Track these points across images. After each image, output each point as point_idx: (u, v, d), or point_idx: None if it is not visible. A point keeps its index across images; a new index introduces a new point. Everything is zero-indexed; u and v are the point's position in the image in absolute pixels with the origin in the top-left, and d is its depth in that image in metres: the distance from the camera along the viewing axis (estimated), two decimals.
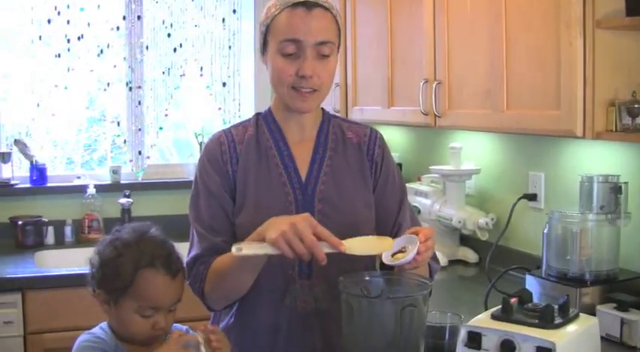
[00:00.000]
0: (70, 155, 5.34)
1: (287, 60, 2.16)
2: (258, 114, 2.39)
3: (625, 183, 2.80)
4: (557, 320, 2.08)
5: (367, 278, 2.02)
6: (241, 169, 2.27)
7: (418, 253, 1.94)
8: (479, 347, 2.10)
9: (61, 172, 5.21)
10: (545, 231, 2.91)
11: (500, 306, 2.18)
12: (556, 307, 2.14)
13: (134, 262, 2.09)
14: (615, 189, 2.79)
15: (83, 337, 2.14)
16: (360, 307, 1.92)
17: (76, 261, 4.43)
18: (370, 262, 2.26)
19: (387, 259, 1.99)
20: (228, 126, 2.45)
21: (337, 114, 2.51)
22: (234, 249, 1.94)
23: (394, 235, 2.23)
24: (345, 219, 2.23)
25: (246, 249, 1.95)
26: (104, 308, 2.15)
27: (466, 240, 3.98)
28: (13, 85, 5.00)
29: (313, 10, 2.15)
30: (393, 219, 2.34)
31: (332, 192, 2.27)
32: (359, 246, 1.99)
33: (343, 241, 1.96)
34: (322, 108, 2.38)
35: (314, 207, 2.23)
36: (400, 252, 2.00)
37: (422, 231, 2.01)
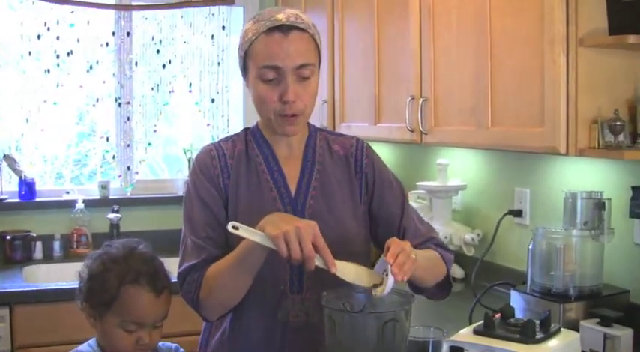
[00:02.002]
0: (59, 170, 5.35)
1: (268, 86, 2.16)
2: (246, 129, 2.40)
3: (608, 199, 2.82)
4: (539, 335, 2.10)
5: (350, 293, 2.01)
6: (232, 184, 2.28)
7: (394, 274, 1.91)
8: None
9: (51, 187, 5.22)
10: (529, 247, 2.92)
11: (482, 321, 2.20)
12: (538, 322, 2.16)
13: (119, 277, 2.11)
14: (599, 205, 2.81)
15: None
16: (342, 322, 1.92)
17: (65, 275, 4.44)
18: None
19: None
20: (216, 140, 2.45)
21: (323, 128, 2.51)
22: (230, 225, 1.96)
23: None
24: (335, 233, 2.22)
25: (242, 230, 1.96)
26: (90, 322, 2.16)
27: None
28: (3, 101, 5.01)
29: (290, 33, 2.14)
30: (397, 224, 2.34)
31: (321, 206, 2.28)
32: (350, 272, 1.98)
33: (336, 261, 1.96)
34: (308, 123, 2.37)
35: None
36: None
37: (389, 250, 1.97)
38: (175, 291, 2.22)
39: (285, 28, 2.14)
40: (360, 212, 2.34)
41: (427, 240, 2.35)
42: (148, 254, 2.22)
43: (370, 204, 2.36)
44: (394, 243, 1.99)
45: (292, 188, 2.30)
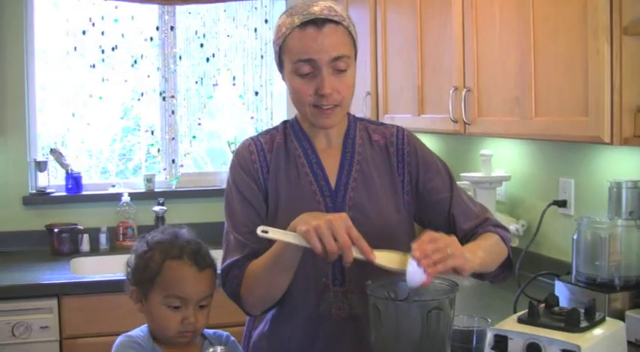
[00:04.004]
0: (104, 164, 5.41)
1: (304, 80, 2.16)
2: (285, 122, 2.40)
3: None
4: (583, 324, 2.09)
5: (395, 281, 1.99)
6: (272, 178, 2.28)
7: (416, 258, 1.88)
8: (505, 350, 2.11)
9: (96, 181, 5.29)
10: (574, 237, 2.91)
11: (526, 310, 2.19)
12: (582, 311, 2.15)
13: (162, 254, 2.16)
14: None
15: (121, 339, 2.19)
16: (387, 310, 1.93)
17: (111, 267, 4.51)
18: None
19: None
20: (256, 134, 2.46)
21: (363, 117, 2.50)
22: (259, 229, 1.96)
23: (451, 229, 2.25)
24: (376, 224, 2.23)
25: (272, 232, 1.97)
26: (138, 307, 2.21)
27: None
28: (49, 96, 5.09)
29: (324, 27, 2.13)
30: (447, 207, 2.32)
31: (362, 198, 2.27)
32: (387, 258, 1.97)
33: (374, 250, 1.95)
34: (348, 113, 2.36)
35: None
36: None
37: (417, 243, 1.93)
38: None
39: (319, 22, 2.13)
40: (403, 202, 2.33)
41: (483, 221, 2.33)
42: (191, 237, 2.26)
43: (416, 191, 2.34)
44: (427, 233, 1.96)
45: (332, 181, 2.29)
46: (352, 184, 2.29)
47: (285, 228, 2.00)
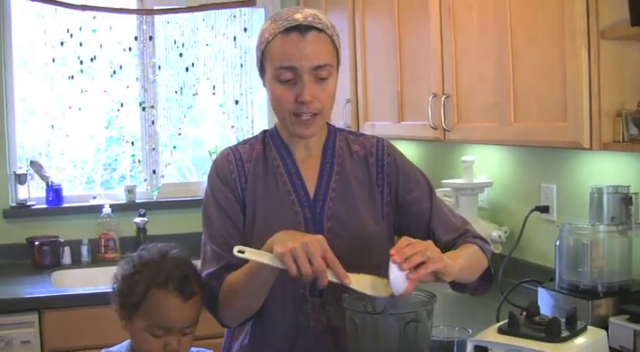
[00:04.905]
0: (89, 175, 5.38)
1: (285, 86, 2.14)
2: (265, 132, 2.38)
3: (635, 193, 2.79)
4: (564, 334, 2.08)
5: None
6: (250, 188, 2.26)
7: (395, 261, 1.86)
8: None
9: (78, 192, 5.25)
10: (557, 243, 2.89)
11: (507, 320, 2.18)
12: (563, 320, 2.14)
13: (147, 281, 2.10)
14: (625, 199, 2.78)
15: None
16: (364, 323, 1.91)
17: (93, 280, 4.49)
18: None
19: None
20: (235, 143, 2.44)
21: (344, 128, 2.48)
22: (236, 249, 1.94)
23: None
24: (355, 235, 2.21)
25: (248, 252, 1.94)
26: (123, 325, 2.17)
27: None
28: (29, 107, 5.05)
29: (307, 34, 2.11)
30: (427, 219, 2.30)
31: (341, 208, 2.25)
32: (363, 283, 1.95)
33: (350, 274, 1.92)
34: (327, 123, 2.35)
35: (323, 225, 2.22)
36: None
37: (396, 248, 1.92)
38: None
39: (302, 29, 2.11)
40: (382, 213, 2.31)
41: (463, 233, 2.31)
42: (181, 258, 2.19)
43: (396, 202, 2.32)
44: (404, 239, 1.95)
45: (311, 191, 2.27)
46: (331, 194, 2.27)
47: (262, 239, 1.98)
